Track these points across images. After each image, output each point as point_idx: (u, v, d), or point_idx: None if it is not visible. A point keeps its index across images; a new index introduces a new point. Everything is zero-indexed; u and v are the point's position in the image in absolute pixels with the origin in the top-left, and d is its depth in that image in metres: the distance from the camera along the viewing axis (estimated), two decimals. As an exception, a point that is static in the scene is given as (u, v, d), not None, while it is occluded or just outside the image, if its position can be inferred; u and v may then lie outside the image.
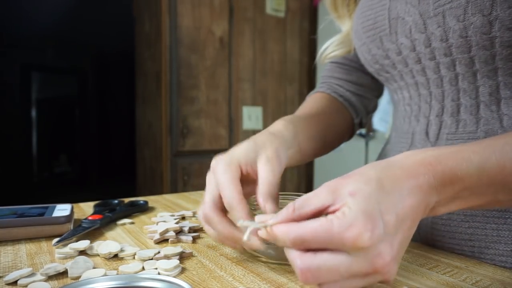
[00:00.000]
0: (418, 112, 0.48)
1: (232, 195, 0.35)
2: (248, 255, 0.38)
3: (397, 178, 0.28)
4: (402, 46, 0.46)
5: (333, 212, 0.26)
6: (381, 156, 0.59)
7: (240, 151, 0.38)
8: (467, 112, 0.43)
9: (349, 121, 0.62)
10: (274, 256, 0.36)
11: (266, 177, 0.36)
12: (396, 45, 0.46)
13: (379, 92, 0.65)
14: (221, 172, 0.36)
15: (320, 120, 0.55)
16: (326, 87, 0.63)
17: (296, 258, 0.26)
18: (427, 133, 0.46)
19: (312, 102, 0.60)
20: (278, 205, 0.35)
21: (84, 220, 0.46)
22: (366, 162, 1.90)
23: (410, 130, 0.49)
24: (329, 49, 0.62)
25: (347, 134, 0.63)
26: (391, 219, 0.26)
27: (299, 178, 2.27)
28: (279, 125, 0.46)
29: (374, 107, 0.65)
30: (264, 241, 0.37)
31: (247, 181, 0.38)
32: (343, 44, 0.61)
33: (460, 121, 0.43)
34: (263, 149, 0.39)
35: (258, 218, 0.30)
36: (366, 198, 0.26)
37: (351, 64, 0.63)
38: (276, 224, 0.28)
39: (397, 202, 0.27)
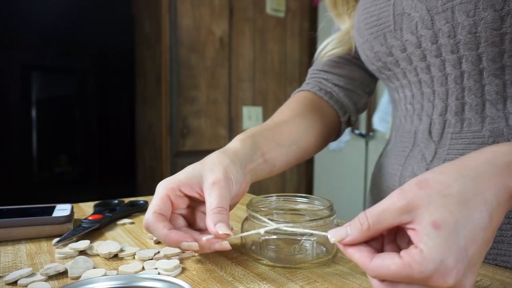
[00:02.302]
0: (421, 111, 0.47)
1: (151, 222, 0.35)
2: (252, 258, 0.38)
3: (480, 189, 0.26)
4: (407, 42, 0.45)
5: (411, 229, 0.25)
6: (382, 157, 0.58)
7: (183, 176, 0.38)
8: (472, 111, 0.42)
9: (334, 120, 0.60)
10: (275, 259, 0.36)
11: (211, 202, 0.35)
12: (401, 41, 0.45)
13: (370, 89, 0.63)
14: (154, 197, 0.37)
15: (293, 126, 0.53)
16: (312, 85, 0.61)
17: (375, 286, 0.26)
18: (430, 133, 0.46)
19: (289, 105, 0.58)
20: (229, 227, 0.34)
21: (84, 220, 0.46)
22: (366, 162, 1.90)
23: (413, 130, 0.49)
24: (328, 47, 0.61)
25: (332, 134, 0.61)
26: (476, 250, 0.24)
27: (299, 178, 2.27)
28: (236, 141, 0.45)
29: (365, 105, 0.64)
30: (266, 244, 0.37)
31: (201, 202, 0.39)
32: (342, 43, 0.60)
33: (464, 120, 0.43)
34: (210, 172, 0.38)
35: (330, 233, 0.29)
36: (450, 235, 0.24)
37: (345, 57, 0.61)
38: (349, 242, 0.27)
39: (481, 225, 0.25)
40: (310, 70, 0.64)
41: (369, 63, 0.53)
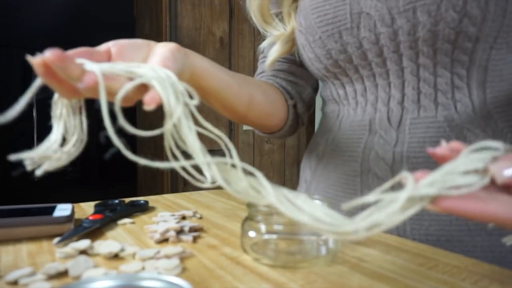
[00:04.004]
0: (375, 101, 0.51)
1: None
2: (252, 258, 0.38)
3: None
4: (364, 40, 0.48)
5: None
6: (321, 152, 0.59)
7: None
8: (427, 99, 0.47)
9: (283, 98, 0.60)
10: (275, 258, 0.36)
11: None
12: (357, 39, 0.48)
13: (312, 82, 0.64)
14: None
15: (251, 79, 0.56)
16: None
17: None
18: (389, 120, 0.49)
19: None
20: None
21: (85, 220, 0.47)
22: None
23: (367, 119, 0.51)
24: (270, 58, 0.60)
25: (282, 107, 0.60)
26: None
27: (298, 178, 2.27)
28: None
29: (310, 97, 0.64)
30: (266, 244, 0.37)
31: None
32: (282, 49, 0.59)
33: (420, 107, 0.47)
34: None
35: None
36: None
37: (280, 59, 0.63)
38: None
39: None
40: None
41: (316, 61, 0.55)
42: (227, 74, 0.49)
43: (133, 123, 2.20)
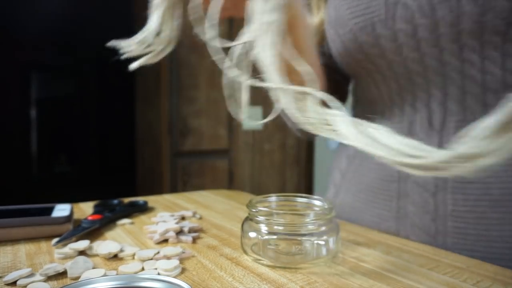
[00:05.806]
0: (414, 101, 0.46)
1: None
2: (252, 258, 0.38)
3: None
4: (399, 32, 0.43)
5: None
6: (352, 156, 0.56)
7: None
8: (473, 99, 0.41)
9: None
10: (275, 259, 0.36)
11: None
12: (392, 31, 0.44)
13: (345, 74, 0.61)
14: None
15: None
16: None
17: None
18: (429, 122, 0.45)
19: None
20: None
21: (83, 220, 0.46)
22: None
23: (405, 120, 0.48)
24: None
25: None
26: None
27: (299, 178, 2.27)
28: None
29: (344, 90, 0.62)
30: (266, 244, 0.37)
31: None
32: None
33: (467, 108, 0.42)
34: None
35: None
36: None
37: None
38: None
39: None
40: None
41: (347, 56, 0.51)
42: None
43: (133, 123, 2.17)
